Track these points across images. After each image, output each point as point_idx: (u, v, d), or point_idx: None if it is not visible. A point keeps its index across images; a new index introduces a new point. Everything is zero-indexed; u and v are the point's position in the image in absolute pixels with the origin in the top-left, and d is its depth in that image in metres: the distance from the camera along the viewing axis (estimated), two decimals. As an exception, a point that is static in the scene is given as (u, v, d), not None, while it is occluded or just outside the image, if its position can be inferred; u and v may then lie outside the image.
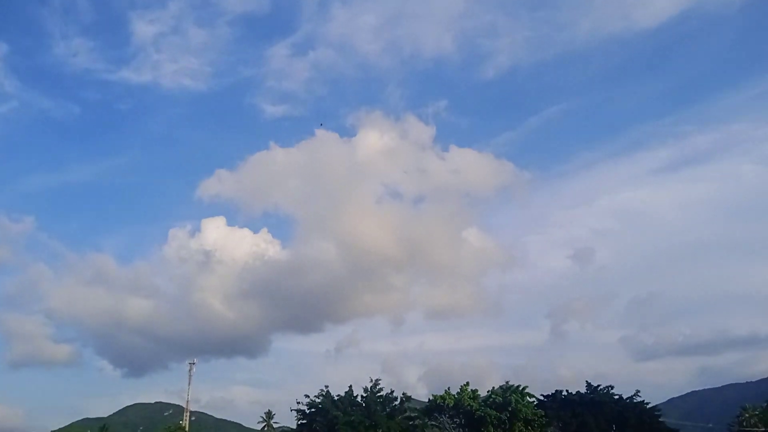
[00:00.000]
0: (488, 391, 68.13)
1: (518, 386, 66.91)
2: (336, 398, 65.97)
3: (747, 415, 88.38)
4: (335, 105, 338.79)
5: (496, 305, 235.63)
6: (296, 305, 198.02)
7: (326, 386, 66.83)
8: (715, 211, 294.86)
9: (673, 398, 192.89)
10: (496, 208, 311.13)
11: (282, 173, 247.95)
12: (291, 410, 67.45)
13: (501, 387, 67.93)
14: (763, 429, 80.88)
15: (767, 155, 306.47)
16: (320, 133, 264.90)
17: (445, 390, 68.16)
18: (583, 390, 71.50)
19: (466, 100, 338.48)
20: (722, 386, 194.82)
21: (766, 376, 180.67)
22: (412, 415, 67.55)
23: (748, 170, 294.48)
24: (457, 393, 67.19)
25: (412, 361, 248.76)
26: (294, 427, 69.32)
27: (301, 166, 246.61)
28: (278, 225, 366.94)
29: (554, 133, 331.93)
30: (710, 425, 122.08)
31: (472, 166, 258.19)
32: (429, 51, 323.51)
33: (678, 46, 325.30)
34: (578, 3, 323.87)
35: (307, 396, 66.55)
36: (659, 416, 70.57)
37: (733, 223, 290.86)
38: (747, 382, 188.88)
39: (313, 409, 65.90)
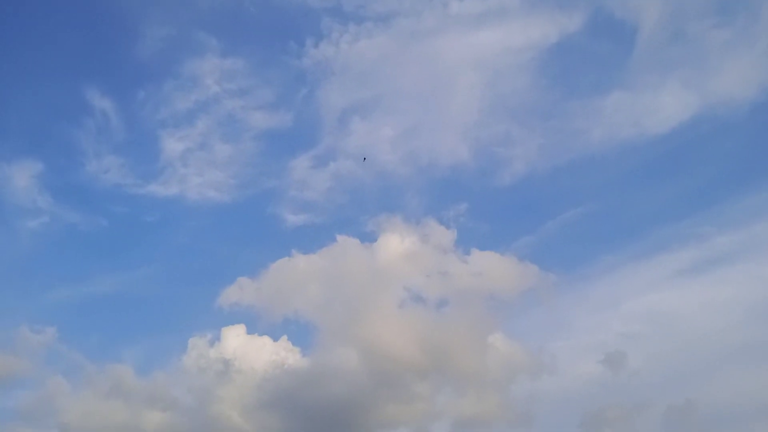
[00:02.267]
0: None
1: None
2: None
3: None
4: (355, 212, 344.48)
5: (526, 414, 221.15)
6: (316, 417, 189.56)
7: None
8: (743, 314, 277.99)
9: None
10: (521, 312, 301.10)
11: (303, 279, 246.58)
12: None
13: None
14: None
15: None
16: (341, 239, 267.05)
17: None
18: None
19: (485, 205, 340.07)
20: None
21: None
22: None
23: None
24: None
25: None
26: None
27: (322, 272, 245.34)
28: (298, 332, 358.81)
29: (574, 236, 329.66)
30: None
31: (496, 268, 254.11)
32: (446, 159, 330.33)
33: (691, 151, 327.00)
34: (588, 112, 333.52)
35: None
36: None
37: (764, 326, 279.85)
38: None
39: None
